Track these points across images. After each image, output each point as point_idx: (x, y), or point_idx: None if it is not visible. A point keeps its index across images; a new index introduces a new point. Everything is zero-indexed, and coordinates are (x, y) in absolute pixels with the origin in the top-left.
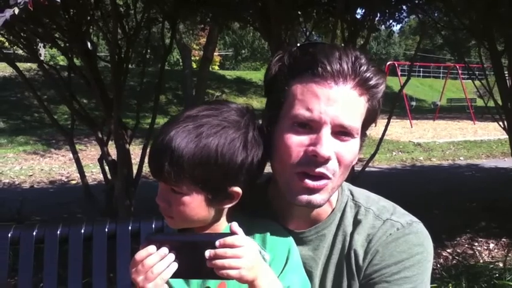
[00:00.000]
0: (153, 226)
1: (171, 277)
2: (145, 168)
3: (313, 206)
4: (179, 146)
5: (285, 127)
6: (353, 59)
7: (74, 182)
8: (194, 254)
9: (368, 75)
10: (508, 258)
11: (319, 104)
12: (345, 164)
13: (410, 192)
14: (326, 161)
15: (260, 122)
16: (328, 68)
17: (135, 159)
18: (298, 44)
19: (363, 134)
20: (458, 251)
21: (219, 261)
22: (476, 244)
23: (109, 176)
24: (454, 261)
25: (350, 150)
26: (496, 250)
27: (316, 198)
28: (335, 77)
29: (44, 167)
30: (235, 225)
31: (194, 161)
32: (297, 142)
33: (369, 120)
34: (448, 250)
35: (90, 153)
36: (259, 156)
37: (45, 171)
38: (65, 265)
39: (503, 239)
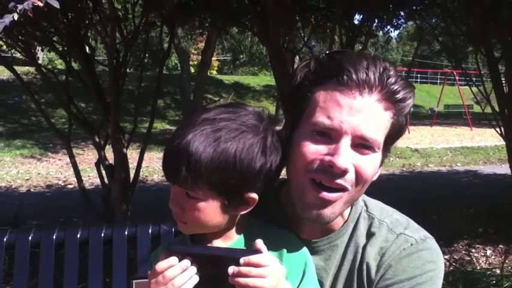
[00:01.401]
0: (150, 231)
1: None
2: (143, 173)
3: (323, 222)
4: (197, 150)
5: (304, 134)
6: (381, 69)
7: (71, 186)
8: (216, 269)
9: (396, 87)
10: (505, 265)
11: (340, 113)
12: (364, 179)
13: (407, 198)
14: (343, 172)
15: (277, 127)
16: (354, 76)
17: (133, 164)
18: (327, 51)
19: (386, 150)
20: (455, 257)
21: (242, 280)
22: (473, 250)
23: (106, 181)
24: (452, 268)
25: (370, 164)
26: (493, 256)
27: (326, 212)
28: (360, 87)
29: (41, 171)
30: (260, 243)
31: (212, 166)
32: (313, 150)
33: (394, 135)
34: (446, 256)
35: (87, 157)
36: (277, 162)
37: (42, 175)
38: (61, 270)
39: (500, 246)
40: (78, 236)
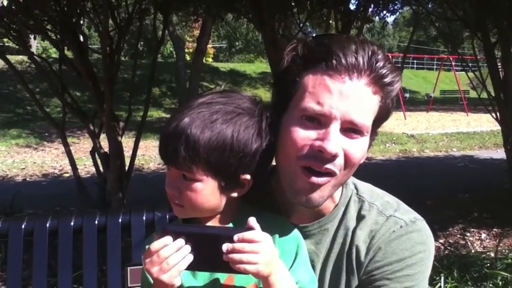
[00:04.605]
0: (144, 218)
1: (186, 269)
2: (139, 161)
3: (312, 206)
4: (195, 131)
5: (293, 120)
6: (370, 53)
7: (66, 175)
8: (210, 247)
9: (384, 71)
10: (499, 248)
11: (330, 98)
12: (352, 162)
13: (404, 183)
14: (333, 157)
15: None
16: (343, 61)
17: (128, 152)
18: (314, 35)
19: (374, 133)
20: (450, 241)
21: (236, 256)
22: (468, 234)
23: (101, 169)
24: (446, 252)
25: (359, 148)
26: (487, 240)
27: (315, 196)
28: (349, 71)
29: (37, 160)
30: (253, 220)
31: (210, 146)
32: (303, 136)
33: (381, 118)
34: (441, 241)
35: (83, 146)
36: (271, 145)
37: (37, 164)
38: (55, 258)
39: (494, 229)
40: (72, 224)
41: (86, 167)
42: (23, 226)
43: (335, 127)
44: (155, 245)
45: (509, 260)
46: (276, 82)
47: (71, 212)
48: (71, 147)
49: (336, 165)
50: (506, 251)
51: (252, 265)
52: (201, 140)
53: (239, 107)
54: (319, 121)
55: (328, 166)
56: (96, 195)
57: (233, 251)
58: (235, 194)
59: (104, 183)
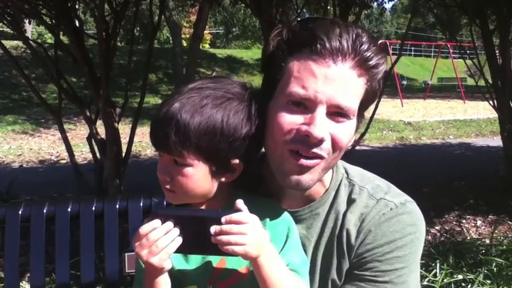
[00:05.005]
0: (141, 205)
1: (175, 252)
2: (136, 148)
3: (302, 188)
4: (185, 116)
5: (279, 105)
6: (354, 36)
7: (63, 161)
8: (199, 229)
9: (368, 54)
10: (494, 235)
11: (315, 82)
12: (340, 146)
13: (401, 170)
14: (319, 142)
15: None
16: (327, 45)
17: (125, 139)
18: (299, 19)
19: (360, 116)
20: (446, 228)
21: (224, 237)
22: (464, 221)
23: (98, 155)
24: (442, 238)
25: (345, 131)
26: (483, 227)
27: (305, 178)
28: (334, 55)
29: (33, 146)
30: (240, 203)
31: (200, 130)
32: (290, 121)
33: (368, 101)
34: (436, 227)
35: (79, 132)
36: (261, 130)
37: (34, 151)
38: (52, 244)
39: (490, 216)
40: (69, 210)
41: (83, 153)
42: (20, 212)
43: (321, 111)
44: (144, 229)
45: (504, 247)
46: (262, 68)
47: (68, 198)
48: (68, 134)
49: (324, 149)
50: (501, 237)
51: (240, 246)
52: (191, 125)
53: (229, 92)
54: (305, 106)
55: (315, 150)
56: (93, 181)
57: (221, 232)
58: (226, 179)
59: (101, 170)
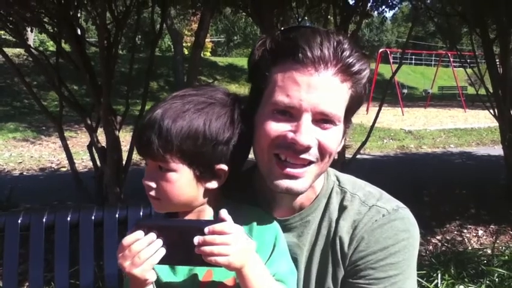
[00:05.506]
0: (141, 213)
1: (159, 263)
2: (136, 155)
3: (294, 193)
4: (168, 121)
5: (265, 114)
6: (335, 44)
7: (64, 169)
8: (182, 240)
9: (351, 61)
10: (496, 245)
11: (299, 91)
12: (328, 152)
13: (401, 179)
14: (306, 149)
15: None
16: (309, 54)
17: (126, 146)
18: (282, 28)
19: (347, 121)
20: (447, 237)
21: (207, 248)
22: (465, 231)
23: (99, 163)
24: (443, 248)
25: (332, 138)
26: (484, 237)
27: (296, 184)
28: (316, 64)
29: (34, 154)
30: (224, 212)
31: (183, 135)
32: (276, 128)
33: (354, 106)
34: (438, 237)
35: (80, 140)
36: (245, 135)
37: (35, 158)
38: (51, 253)
39: (491, 226)
40: (69, 218)
41: (84, 161)
42: (19, 221)
43: (306, 119)
44: (127, 240)
45: (506, 257)
46: (249, 78)
47: (67, 206)
48: (68, 141)
49: (312, 155)
50: (503, 247)
51: (223, 257)
52: (173, 129)
53: (211, 97)
54: (291, 114)
55: (303, 156)
56: (94, 189)
57: (204, 243)
58: (212, 186)
59: (101, 178)
